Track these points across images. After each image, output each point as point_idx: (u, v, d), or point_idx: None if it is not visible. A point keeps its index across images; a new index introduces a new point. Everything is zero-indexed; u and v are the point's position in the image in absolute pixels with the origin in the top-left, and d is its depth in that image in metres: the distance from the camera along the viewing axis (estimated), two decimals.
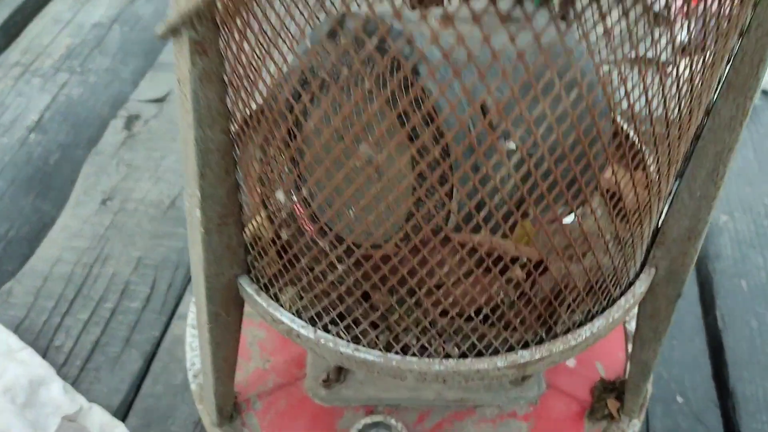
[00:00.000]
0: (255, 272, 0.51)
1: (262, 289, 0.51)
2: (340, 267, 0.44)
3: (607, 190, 0.43)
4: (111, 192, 1.17)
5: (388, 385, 0.67)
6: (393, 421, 0.62)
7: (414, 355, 0.48)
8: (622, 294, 0.52)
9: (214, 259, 0.49)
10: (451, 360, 0.47)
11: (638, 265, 0.53)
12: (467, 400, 0.67)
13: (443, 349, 0.48)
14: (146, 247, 1.09)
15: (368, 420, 0.62)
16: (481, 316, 0.46)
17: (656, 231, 0.53)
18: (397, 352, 0.48)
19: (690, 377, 0.95)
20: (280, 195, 0.49)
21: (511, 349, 0.48)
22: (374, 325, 0.48)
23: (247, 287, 0.51)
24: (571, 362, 0.71)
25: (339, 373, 0.67)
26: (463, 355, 0.48)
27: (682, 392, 0.93)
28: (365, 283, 0.44)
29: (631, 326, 0.74)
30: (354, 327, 0.48)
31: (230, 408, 0.64)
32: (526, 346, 0.48)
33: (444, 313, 0.46)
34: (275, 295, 0.51)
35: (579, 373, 0.70)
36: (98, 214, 1.13)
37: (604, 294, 0.50)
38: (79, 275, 1.04)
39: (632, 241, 0.48)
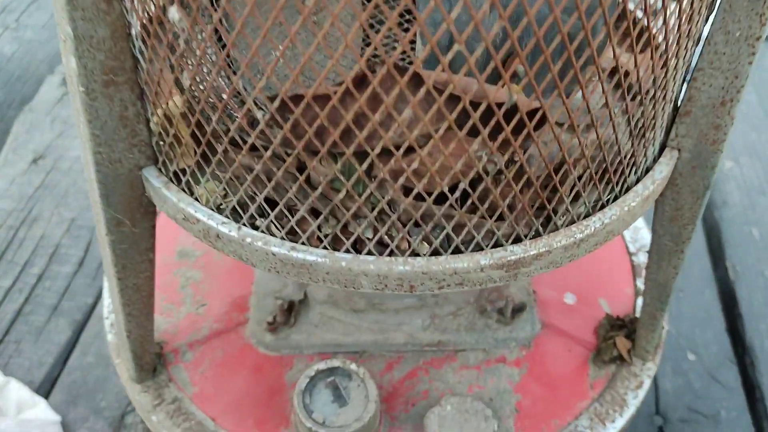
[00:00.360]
0: (162, 159, 0.39)
1: (171, 181, 0.39)
2: (259, 115, 0.32)
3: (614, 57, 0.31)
4: (44, 150, 1.04)
5: (348, 327, 0.55)
6: (354, 366, 0.49)
7: (370, 253, 0.35)
8: (638, 180, 0.41)
9: (104, 137, 0.37)
10: (419, 259, 0.35)
11: (657, 146, 0.41)
12: (446, 344, 0.55)
13: (408, 244, 0.36)
14: (81, 208, 0.96)
15: (322, 365, 0.49)
16: (457, 194, 0.34)
17: (676, 106, 0.41)
18: (347, 251, 0.36)
19: (701, 333, 0.83)
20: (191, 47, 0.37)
21: (498, 244, 0.36)
22: (314, 212, 0.36)
23: (153, 180, 0.39)
24: (569, 298, 0.59)
25: (288, 315, 0.55)
26: (435, 253, 0.36)
27: (693, 349, 0.81)
28: (296, 141, 0.32)
29: (639, 258, 0.63)
30: (288, 216, 0.35)
31: (151, 359, 0.52)
32: (517, 241, 0.37)
33: (407, 191, 0.34)
34: (188, 186, 0.38)
35: (580, 311, 0.58)
36: (27, 174, 1.00)
37: (618, 176, 0.38)
38: (2, 239, 0.91)
39: (651, 110, 0.36)
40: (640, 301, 0.59)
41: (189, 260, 0.61)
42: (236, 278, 0.59)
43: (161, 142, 0.38)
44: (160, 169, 0.40)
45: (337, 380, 0.50)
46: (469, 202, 0.34)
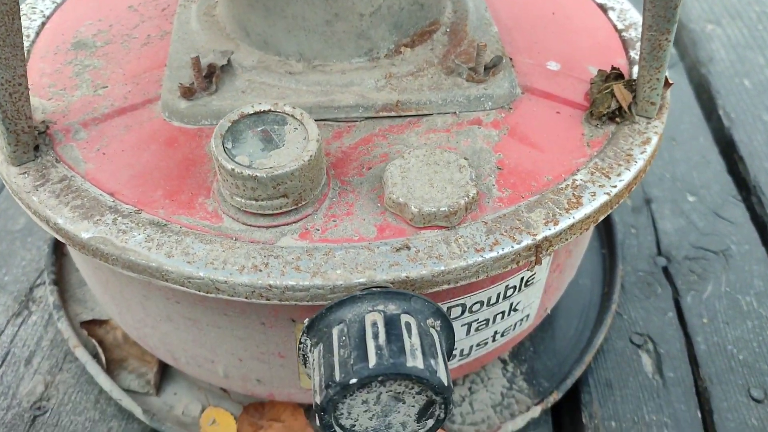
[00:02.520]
0: None
1: None
2: None
3: None
4: None
5: (283, 91, 0.44)
6: (289, 108, 0.38)
7: None
8: None
9: None
10: None
11: None
12: (406, 105, 0.44)
13: None
14: None
15: (248, 109, 0.38)
16: None
17: None
18: None
19: (699, 175, 0.74)
20: None
21: None
22: None
23: None
24: (553, 65, 0.49)
25: (208, 81, 0.44)
26: None
27: (692, 191, 0.72)
28: None
29: (630, 34, 0.53)
30: None
31: (31, 136, 0.40)
32: None
33: None
34: None
35: (566, 75, 0.48)
36: None
37: None
38: None
39: None
40: (635, 70, 0.49)
41: (87, 51, 0.49)
42: (147, 64, 0.48)
43: None
44: None
45: (268, 128, 0.39)
46: None
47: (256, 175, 0.36)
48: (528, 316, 0.49)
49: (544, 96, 0.47)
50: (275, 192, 0.36)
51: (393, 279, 0.36)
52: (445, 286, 0.37)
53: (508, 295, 0.44)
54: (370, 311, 0.34)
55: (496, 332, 0.47)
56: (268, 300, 0.36)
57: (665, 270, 0.64)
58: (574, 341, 0.58)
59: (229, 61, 0.45)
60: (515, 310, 0.47)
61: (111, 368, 0.53)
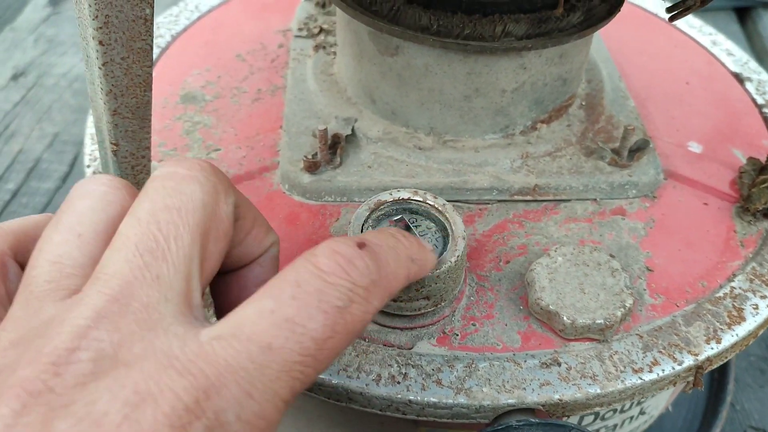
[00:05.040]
0: None
1: None
2: None
3: None
4: (25, 68, 0.90)
5: (412, 169, 0.41)
6: (430, 198, 0.35)
7: None
8: None
9: None
10: None
11: None
12: (544, 190, 0.41)
13: None
14: (67, 122, 0.82)
15: (386, 196, 0.35)
16: None
17: None
18: None
19: None
20: None
21: None
22: None
23: None
24: (694, 146, 0.45)
25: (332, 152, 0.41)
26: None
27: None
28: None
29: None
30: None
31: None
32: None
33: None
34: None
35: (710, 160, 0.44)
36: (5, 90, 0.86)
37: None
38: None
39: None
40: None
41: (197, 105, 0.47)
42: (259, 124, 0.45)
43: None
44: None
45: (406, 218, 0.36)
46: None
47: None
48: (653, 416, 0.45)
49: (689, 183, 0.43)
50: (417, 294, 0.33)
51: (545, 401, 0.32)
52: (597, 409, 0.34)
53: (642, 400, 0.41)
54: None
55: None
56: (404, 415, 0.33)
57: None
58: None
59: (353, 130, 0.42)
60: (643, 413, 0.43)
61: None
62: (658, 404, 0.44)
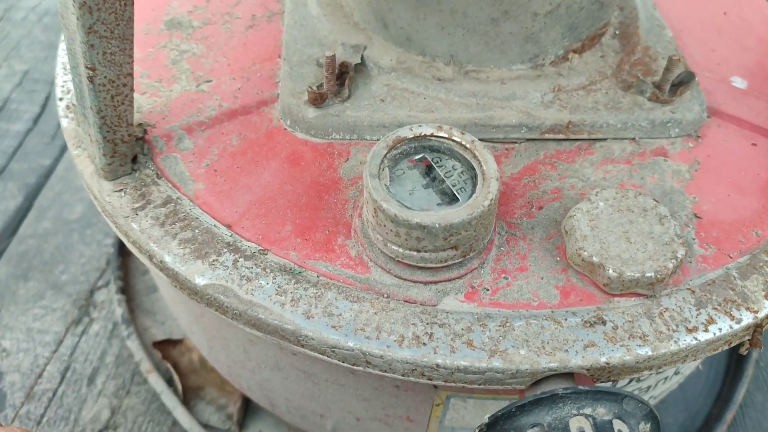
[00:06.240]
0: None
1: None
2: None
3: None
4: None
5: (431, 102, 0.36)
6: (457, 134, 0.31)
7: None
8: None
9: None
10: None
11: None
12: (578, 128, 0.36)
13: None
14: (37, 59, 0.75)
15: (406, 132, 0.30)
16: None
17: None
18: None
19: None
20: None
21: None
22: None
23: None
24: (738, 81, 0.41)
25: (340, 83, 0.36)
26: None
27: None
28: None
29: None
30: None
31: (129, 145, 0.33)
32: None
33: None
34: None
35: (755, 97, 0.40)
36: None
37: None
38: None
39: None
40: None
41: (183, 32, 0.41)
42: (255, 53, 0.40)
43: None
44: None
45: (429, 157, 0.31)
46: None
47: (426, 224, 0.28)
48: (684, 376, 0.42)
49: (735, 122, 0.39)
50: (445, 243, 0.29)
51: (590, 365, 0.29)
52: (646, 373, 0.30)
53: None
54: (575, 415, 0.27)
55: (651, 396, 0.40)
56: (430, 380, 0.29)
57: None
58: (705, 393, 0.51)
59: (362, 59, 0.37)
60: (677, 373, 0.40)
61: (187, 397, 0.47)
62: (692, 363, 0.40)
